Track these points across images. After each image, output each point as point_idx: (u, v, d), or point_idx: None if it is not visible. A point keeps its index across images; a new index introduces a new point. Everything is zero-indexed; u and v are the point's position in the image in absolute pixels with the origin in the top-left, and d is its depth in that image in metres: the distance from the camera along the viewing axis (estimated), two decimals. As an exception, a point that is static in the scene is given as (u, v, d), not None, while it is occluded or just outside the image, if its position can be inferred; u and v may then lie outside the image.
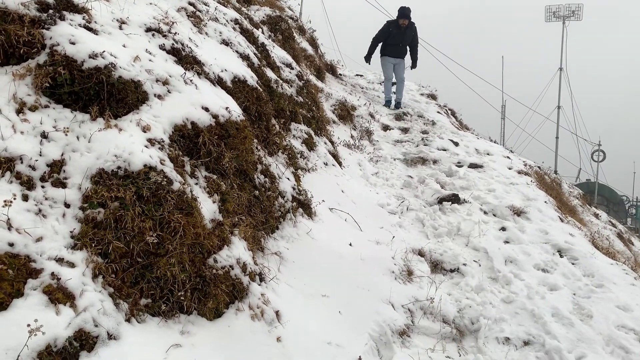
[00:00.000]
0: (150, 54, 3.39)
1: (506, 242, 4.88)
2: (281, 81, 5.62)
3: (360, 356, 2.90)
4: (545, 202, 5.95)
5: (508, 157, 7.77)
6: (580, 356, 3.27)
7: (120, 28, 3.45)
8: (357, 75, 12.89)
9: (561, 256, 4.71)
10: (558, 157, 25.72)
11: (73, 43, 2.86)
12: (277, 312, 2.90)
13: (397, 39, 9.89)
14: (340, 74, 11.61)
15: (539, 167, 8.36)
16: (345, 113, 8.33)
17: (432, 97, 11.73)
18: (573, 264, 4.60)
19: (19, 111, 2.57)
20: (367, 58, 10.19)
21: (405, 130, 8.76)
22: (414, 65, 10.26)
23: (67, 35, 2.88)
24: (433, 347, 3.31)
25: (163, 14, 4.06)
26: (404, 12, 9.80)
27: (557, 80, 26.18)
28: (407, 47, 10.08)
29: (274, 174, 4.07)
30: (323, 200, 4.53)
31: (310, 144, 5.46)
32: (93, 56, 2.86)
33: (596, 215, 10.17)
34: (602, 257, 4.93)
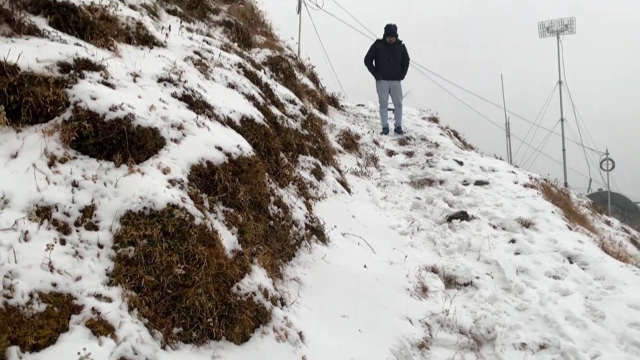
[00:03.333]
0: (163, 102, 3.66)
1: (516, 253, 5.02)
2: (286, 117, 5.89)
3: (382, 369, 3.04)
4: (553, 212, 6.09)
5: (513, 172, 7.94)
6: (595, 355, 3.38)
7: (135, 81, 3.73)
8: (358, 105, 13.19)
9: (571, 262, 4.83)
10: (567, 169, 25.72)
11: (94, 98, 3.13)
12: (300, 333, 3.06)
13: (386, 55, 10.02)
14: (342, 106, 11.91)
15: (545, 180, 8.50)
16: (350, 142, 8.57)
17: (434, 120, 11.97)
18: (583, 269, 4.72)
19: (50, 164, 2.81)
20: (376, 76, 10.27)
21: (409, 154, 8.97)
22: (401, 77, 10.30)
23: (88, 91, 3.15)
24: (452, 357, 3.44)
25: (172, 64, 4.36)
26: (390, 29, 10.04)
27: (557, 93, 26.41)
28: (400, 66, 10.15)
29: (286, 204, 4.28)
30: (335, 226, 4.71)
31: (318, 174, 5.68)
32: (113, 109, 3.12)
33: (608, 223, 10.23)
34: (612, 261, 5.05)
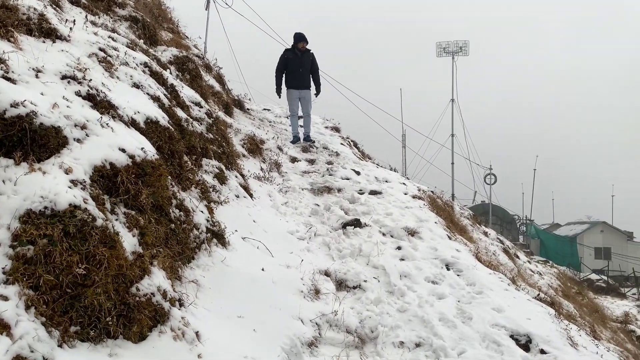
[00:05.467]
0: (67, 100, 3.63)
1: (401, 259, 5.48)
2: (191, 119, 5.95)
3: (273, 366, 3.27)
4: (436, 222, 6.68)
5: (404, 183, 8.53)
6: (461, 352, 3.86)
7: (37, 77, 3.66)
8: (264, 109, 13.37)
9: (448, 269, 5.37)
10: (455, 181, 27.64)
11: (-6, 93, 3.07)
12: (196, 333, 3.21)
13: (295, 65, 10.19)
14: (248, 109, 12.03)
15: (432, 192, 9.22)
16: (255, 147, 8.74)
17: (336, 129, 12.46)
18: (458, 275, 5.27)
19: (-56, 159, 2.73)
20: (277, 91, 10.47)
21: (311, 162, 9.31)
22: (317, 91, 10.59)
23: (-13, 85, 3.08)
24: (338, 354, 3.75)
25: (76, 61, 4.30)
26: (301, 35, 10.26)
27: (449, 110, 28.37)
28: (310, 75, 10.39)
29: (188, 208, 4.38)
30: (236, 230, 4.88)
31: (221, 178, 5.80)
32: (14, 105, 3.08)
33: (485, 233, 11.26)
34: (483, 268, 5.67)
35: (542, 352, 4.04)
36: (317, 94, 10.66)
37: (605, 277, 29.87)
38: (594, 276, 29.45)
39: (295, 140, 10.29)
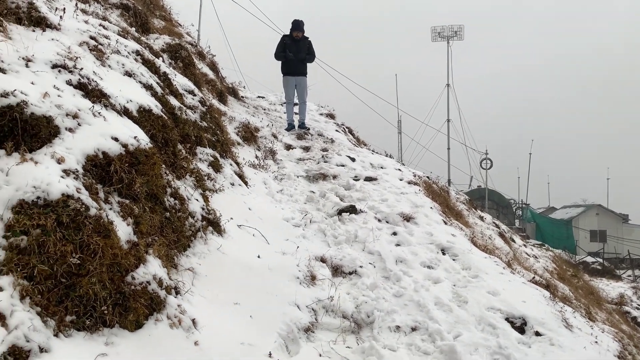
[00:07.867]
0: (58, 89, 3.60)
1: (397, 244, 5.50)
2: (185, 108, 5.91)
3: (270, 352, 3.29)
4: (431, 207, 6.69)
5: (399, 169, 8.53)
6: (457, 335, 3.88)
7: (27, 66, 3.63)
8: (258, 97, 13.32)
9: (444, 254, 5.39)
10: (451, 167, 27.69)
11: (-17, 83, 3.04)
12: (193, 320, 3.22)
13: (293, 51, 10.14)
14: (242, 97, 11.98)
15: (427, 177, 9.22)
16: (249, 135, 8.71)
17: (331, 116, 12.43)
18: (454, 259, 5.29)
19: None
20: (281, 56, 10.32)
21: (306, 149, 9.29)
22: (309, 60, 10.43)
23: (-24, 75, 3.05)
24: (335, 339, 3.77)
25: (66, 50, 4.26)
26: (297, 24, 10.24)
27: (445, 95, 28.34)
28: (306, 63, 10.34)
29: (183, 196, 4.37)
30: (231, 218, 4.88)
31: (216, 166, 5.79)
32: (4, 95, 3.06)
33: (481, 218, 11.29)
34: (478, 252, 5.69)
35: (537, 334, 4.07)
36: (309, 61, 10.45)
37: (600, 260, 30.08)
38: (589, 259, 29.66)
39: (290, 127, 10.25)
